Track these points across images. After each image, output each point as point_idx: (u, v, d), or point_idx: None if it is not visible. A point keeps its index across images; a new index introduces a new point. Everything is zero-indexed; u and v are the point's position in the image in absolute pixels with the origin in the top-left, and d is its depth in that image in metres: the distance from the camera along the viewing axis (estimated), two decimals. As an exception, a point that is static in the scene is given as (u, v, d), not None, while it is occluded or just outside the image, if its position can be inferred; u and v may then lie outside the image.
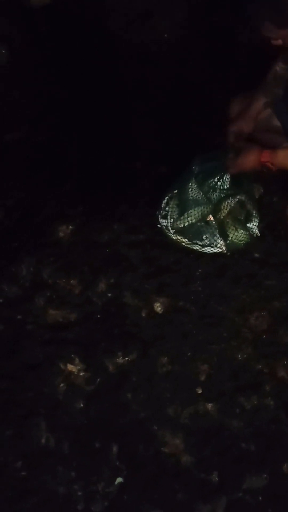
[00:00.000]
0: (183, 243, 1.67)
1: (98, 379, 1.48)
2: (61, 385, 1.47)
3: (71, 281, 1.69)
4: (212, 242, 1.65)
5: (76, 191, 1.89)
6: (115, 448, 1.36)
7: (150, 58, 2.24)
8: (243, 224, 1.66)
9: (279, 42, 1.37)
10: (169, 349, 1.53)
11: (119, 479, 1.32)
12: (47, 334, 1.57)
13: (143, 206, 1.83)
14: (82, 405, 1.44)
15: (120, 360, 1.52)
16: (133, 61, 2.23)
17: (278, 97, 1.57)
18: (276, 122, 1.61)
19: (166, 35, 2.29)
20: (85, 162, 1.96)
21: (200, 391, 1.45)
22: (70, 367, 1.50)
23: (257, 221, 1.68)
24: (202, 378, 1.48)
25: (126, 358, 1.52)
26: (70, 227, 1.81)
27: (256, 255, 1.70)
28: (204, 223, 1.64)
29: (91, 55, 2.23)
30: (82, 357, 1.52)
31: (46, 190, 1.88)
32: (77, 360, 1.51)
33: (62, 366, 1.50)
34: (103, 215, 1.83)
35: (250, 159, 1.49)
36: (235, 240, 1.67)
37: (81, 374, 1.49)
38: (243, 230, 1.66)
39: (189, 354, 1.52)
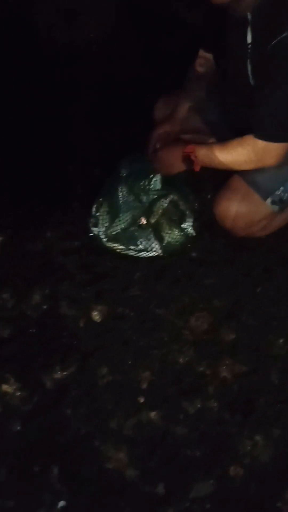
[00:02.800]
0: (118, 250, 1.62)
1: (36, 397, 1.41)
2: (-4, 407, 1.39)
3: (3, 295, 1.60)
4: (148, 246, 1.61)
5: (5, 200, 1.81)
6: (55, 470, 1.29)
7: (77, 58, 2.18)
8: (177, 224, 1.63)
9: None
10: (109, 358, 1.48)
11: (61, 503, 1.25)
12: (-21, 354, 1.48)
13: (77, 211, 1.77)
14: (19, 427, 1.36)
15: (58, 375, 1.45)
16: (60, 61, 2.17)
17: (201, 99, 1.54)
18: (202, 122, 1.59)
19: (92, 35, 2.24)
20: (13, 168, 1.88)
21: (142, 399, 1.41)
22: (4, 387, 1.42)
23: (192, 220, 1.65)
24: (144, 386, 1.43)
25: (65, 372, 1.45)
26: (0, 237, 1.72)
27: (194, 254, 1.68)
28: (138, 227, 1.60)
29: (17, 56, 2.14)
30: (17, 375, 1.44)
31: (-27, 200, 1.79)
32: (12, 380, 1.43)
33: (-4, 387, 1.42)
34: (35, 223, 1.75)
35: (174, 153, 1.44)
36: (171, 241, 1.63)
37: (17, 393, 1.41)
38: (178, 230, 1.63)
39: (130, 362, 1.47)
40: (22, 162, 1.89)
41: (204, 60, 1.52)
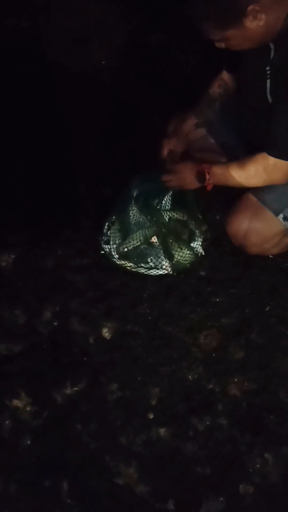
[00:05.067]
0: (128, 268, 1.65)
1: (46, 413, 1.42)
2: (7, 422, 1.40)
3: (15, 311, 1.62)
4: (157, 264, 1.63)
5: (18, 218, 1.84)
6: (65, 485, 1.29)
7: (89, 83, 2.25)
8: (187, 243, 1.66)
9: (222, 45, 1.28)
10: (119, 375, 1.49)
11: (71, 518, 1.25)
12: (-10, 369, 1.50)
13: (87, 230, 1.80)
14: (29, 442, 1.37)
15: (68, 390, 1.46)
16: (72, 87, 2.24)
17: (210, 119, 1.58)
18: (212, 142, 1.63)
19: (103, 61, 2.32)
20: (26, 188, 1.92)
21: (152, 416, 1.41)
22: (15, 402, 1.43)
23: (201, 239, 1.68)
24: (154, 402, 1.44)
25: (75, 388, 1.46)
26: (12, 255, 1.75)
27: (202, 273, 1.70)
28: (148, 245, 1.63)
29: (29, 82, 2.21)
30: (28, 390, 1.45)
31: (-15, 219, 1.83)
32: (23, 394, 1.44)
33: (7, 402, 1.43)
34: (46, 241, 1.79)
35: (190, 169, 1.47)
36: (181, 260, 1.66)
37: (28, 408, 1.42)
38: (188, 249, 1.66)
39: (139, 378, 1.48)
40: (33, 182, 1.93)
41: (222, 81, 1.57)
